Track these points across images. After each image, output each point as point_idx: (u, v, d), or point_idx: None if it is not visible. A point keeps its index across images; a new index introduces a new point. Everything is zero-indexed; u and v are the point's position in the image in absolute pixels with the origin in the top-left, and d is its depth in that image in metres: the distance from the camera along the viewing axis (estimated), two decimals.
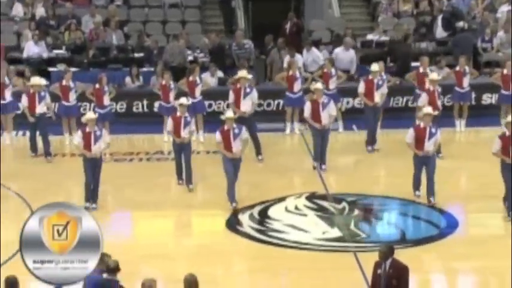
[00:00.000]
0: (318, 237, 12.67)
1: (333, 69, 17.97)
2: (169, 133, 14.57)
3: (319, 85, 15.43)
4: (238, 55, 20.08)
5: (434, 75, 16.52)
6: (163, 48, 20.13)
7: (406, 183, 14.07)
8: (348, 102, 19.12)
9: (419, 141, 13.45)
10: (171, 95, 17.28)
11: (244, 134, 13.55)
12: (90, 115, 13.69)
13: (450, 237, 12.60)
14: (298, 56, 19.36)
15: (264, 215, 13.39)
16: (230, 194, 13.43)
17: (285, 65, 19.18)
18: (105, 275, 8.77)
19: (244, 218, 13.30)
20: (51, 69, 19.70)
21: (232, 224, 13.19)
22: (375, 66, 16.79)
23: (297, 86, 17.91)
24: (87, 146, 13.40)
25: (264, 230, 12.91)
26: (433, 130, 13.50)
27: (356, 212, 13.65)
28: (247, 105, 15.97)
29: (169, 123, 14.44)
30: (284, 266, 11.75)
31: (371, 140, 16.56)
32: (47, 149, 16.22)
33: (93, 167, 13.44)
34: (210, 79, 18.63)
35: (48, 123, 16.49)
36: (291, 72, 17.96)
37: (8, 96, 17.23)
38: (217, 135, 13.50)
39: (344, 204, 13.87)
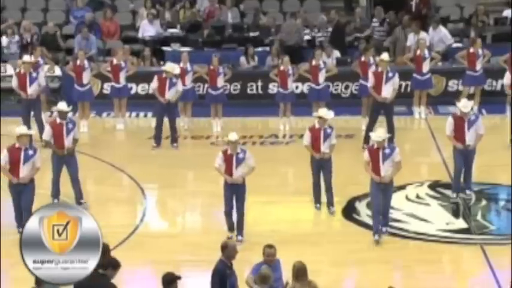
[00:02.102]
0: (441, 228, 12.49)
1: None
2: (307, 148, 13.02)
3: (465, 103, 13.36)
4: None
5: None
6: (279, 26, 20.21)
7: None
8: None
9: None
10: (289, 81, 17.21)
11: (397, 156, 11.99)
12: (232, 137, 12.08)
13: None
14: (423, 34, 19.01)
15: None
16: (375, 224, 12.07)
17: (408, 43, 18.88)
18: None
19: (361, 206, 13.23)
20: (165, 48, 20.12)
21: (349, 212, 13.15)
22: None
23: (426, 66, 17.58)
24: (229, 170, 12.03)
25: None
26: None
27: (483, 202, 13.35)
28: (388, 91, 15.51)
29: (306, 136, 12.98)
30: (404, 257, 11.65)
31: None
32: (173, 135, 16.25)
33: (234, 193, 12.02)
34: (328, 61, 18.47)
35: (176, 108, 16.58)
36: (419, 52, 17.63)
37: (122, 80, 17.51)
38: (365, 154, 12.06)
39: (470, 193, 13.57)
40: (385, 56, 15.96)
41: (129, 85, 18.26)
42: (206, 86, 17.99)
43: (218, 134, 17.10)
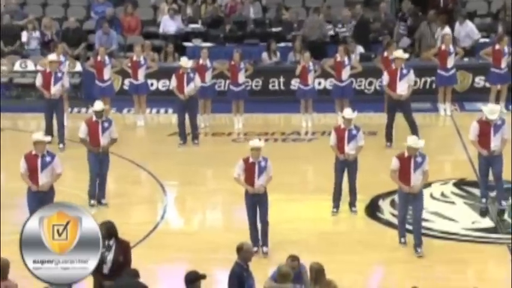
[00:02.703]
0: (466, 227, 12.38)
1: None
2: (333, 148, 12.81)
3: (492, 107, 12.98)
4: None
5: None
6: (302, 22, 20.10)
7: None
8: None
9: None
10: (310, 77, 17.08)
11: (427, 164, 11.59)
12: (255, 143, 11.84)
13: None
14: (447, 29, 18.81)
15: None
16: (400, 229, 11.87)
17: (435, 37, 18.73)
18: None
19: (385, 204, 13.12)
20: (186, 44, 20.08)
21: (372, 210, 13.05)
22: None
23: (450, 62, 17.41)
24: (250, 179, 11.63)
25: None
26: None
27: (510, 200, 13.18)
28: (403, 88, 15.42)
29: (332, 136, 12.86)
30: (428, 257, 11.51)
31: None
32: (194, 132, 16.19)
33: (256, 203, 11.62)
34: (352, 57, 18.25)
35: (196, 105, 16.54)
36: (443, 47, 17.46)
37: (141, 76, 17.49)
38: (395, 162, 11.64)
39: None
40: (399, 53, 15.84)
41: (150, 81, 18.25)
42: (227, 82, 17.93)
43: (239, 130, 17.04)
